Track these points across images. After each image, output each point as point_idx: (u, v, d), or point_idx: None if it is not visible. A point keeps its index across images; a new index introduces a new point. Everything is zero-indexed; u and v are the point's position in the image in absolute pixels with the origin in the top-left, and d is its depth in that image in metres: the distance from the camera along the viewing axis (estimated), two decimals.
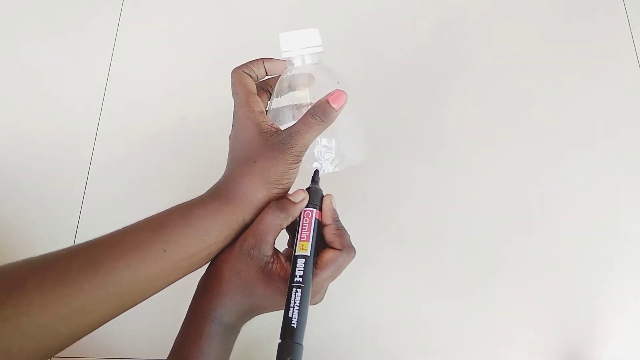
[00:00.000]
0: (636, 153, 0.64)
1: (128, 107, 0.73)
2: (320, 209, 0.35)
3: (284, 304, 0.31)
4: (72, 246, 0.29)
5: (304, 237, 0.33)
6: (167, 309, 0.48)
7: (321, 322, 0.58)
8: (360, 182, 0.64)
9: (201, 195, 0.34)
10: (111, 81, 0.74)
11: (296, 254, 0.32)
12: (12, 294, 0.26)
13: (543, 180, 0.63)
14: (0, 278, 0.27)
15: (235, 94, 0.35)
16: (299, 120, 0.33)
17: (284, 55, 0.37)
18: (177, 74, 0.74)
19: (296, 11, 0.76)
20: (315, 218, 0.34)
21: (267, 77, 0.38)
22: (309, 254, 0.32)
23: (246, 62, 0.37)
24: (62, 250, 0.29)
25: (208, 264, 0.34)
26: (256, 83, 0.37)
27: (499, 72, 0.69)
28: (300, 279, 0.31)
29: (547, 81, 0.69)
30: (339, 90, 0.34)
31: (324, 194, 0.36)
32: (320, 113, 0.33)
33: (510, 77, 0.69)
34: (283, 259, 0.33)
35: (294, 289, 0.31)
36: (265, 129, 0.33)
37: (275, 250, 0.33)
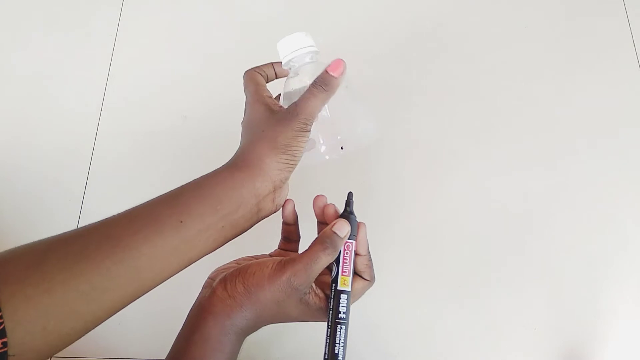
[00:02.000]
0: (636, 153, 0.64)
1: (128, 106, 0.73)
2: (355, 239, 0.36)
3: (307, 320, 0.32)
4: (88, 224, 0.29)
5: (345, 272, 0.34)
6: (167, 309, 0.48)
7: (321, 323, 0.58)
8: (360, 182, 0.64)
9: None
10: (111, 81, 0.74)
11: (339, 288, 0.33)
12: (33, 271, 0.26)
13: (543, 181, 0.63)
14: (20, 256, 0.27)
15: (246, 88, 0.37)
16: (303, 93, 0.34)
17: (284, 62, 0.38)
18: (178, 74, 0.74)
19: (296, 11, 0.76)
20: (354, 250, 0.35)
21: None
22: (350, 289, 0.34)
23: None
24: (79, 228, 0.29)
25: (229, 271, 0.35)
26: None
27: (499, 72, 0.69)
28: (344, 315, 0.32)
29: (546, 81, 0.69)
30: (337, 59, 0.35)
31: (358, 222, 0.36)
32: (321, 83, 0.34)
33: (510, 77, 0.69)
34: (315, 287, 0.34)
35: (339, 326, 0.32)
36: (274, 107, 0.35)
37: None
